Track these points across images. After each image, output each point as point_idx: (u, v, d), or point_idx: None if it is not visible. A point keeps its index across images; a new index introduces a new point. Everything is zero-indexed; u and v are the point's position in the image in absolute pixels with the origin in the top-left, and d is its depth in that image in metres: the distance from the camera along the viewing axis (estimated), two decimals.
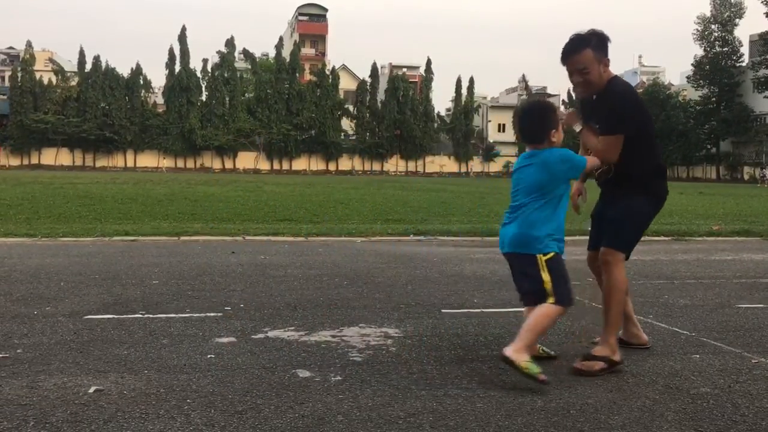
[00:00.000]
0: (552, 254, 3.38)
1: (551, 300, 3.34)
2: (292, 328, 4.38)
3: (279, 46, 68.12)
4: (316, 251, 8.43)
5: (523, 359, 3.22)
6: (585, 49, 3.68)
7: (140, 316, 4.67)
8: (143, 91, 65.08)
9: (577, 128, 3.82)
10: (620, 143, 3.68)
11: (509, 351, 3.24)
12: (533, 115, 3.55)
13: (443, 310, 5.01)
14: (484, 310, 5.06)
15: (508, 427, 2.76)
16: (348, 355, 3.76)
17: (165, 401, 2.98)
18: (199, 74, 65.83)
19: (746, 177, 60.10)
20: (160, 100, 67.12)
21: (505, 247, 3.53)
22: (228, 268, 6.87)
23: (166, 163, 63.48)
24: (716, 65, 62.68)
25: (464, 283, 6.24)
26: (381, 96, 68.74)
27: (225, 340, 4.06)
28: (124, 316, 4.65)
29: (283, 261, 7.46)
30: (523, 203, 3.45)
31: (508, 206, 3.58)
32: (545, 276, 3.35)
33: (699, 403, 3.09)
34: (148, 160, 63.90)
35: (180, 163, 64.44)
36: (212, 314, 4.74)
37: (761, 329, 4.60)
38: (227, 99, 65.27)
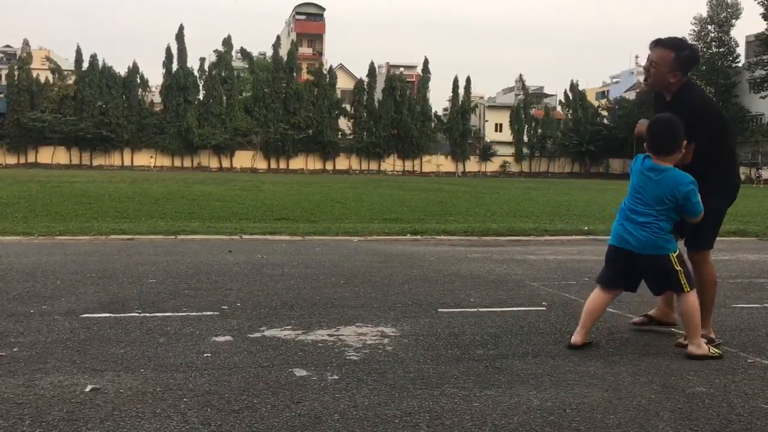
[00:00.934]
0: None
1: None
2: (289, 327, 4.38)
3: (276, 46, 68.02)
4: (313, 250, 8.44)
5: (706, 349, 3.84)
6: (668, 51, 3.95)
7: (137, 314, 4.66)
8: (140, 89, 64.92)
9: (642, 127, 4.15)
10: (692, 149, 3.99)
11: (693, 348, 3.84)
12: (670, 126, 3.86)
13: (440, 310, 5.01)
14: (480, 309, 5.07)
15: (504, 426, 2.76)
16: (345, 354, 3.77)
17: (161, 400, 2.98)
18: (196, 73, 65.69)
19: (742, 177, 60.29)
20: (157, 99, 66.96)
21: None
22: (225, 267, 6.87)
23: (160, 161, 63.35)
24: (713, 66, 62.77)
25: (461, 282, 6.25)
26: (378, 95, 68.69)
27: (222, 338, 4.06)
28: (121, 314, 4.65)
29: (280, 260, 7.46)
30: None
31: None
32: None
33: (695, 402, 3.10)
34: (145, 158, 63.81)
35: (177, 162, 64.34)
36: (209, 313, 4.73)
37: (757, 329, 4.61)
38: (224, 98, 65.15)
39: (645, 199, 3.91)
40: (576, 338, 3.96)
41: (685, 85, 4.05)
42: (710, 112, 4.14)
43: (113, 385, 3.16)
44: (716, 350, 3.87)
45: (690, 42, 4.16)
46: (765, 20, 56.59)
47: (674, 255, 3.90)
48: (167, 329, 4.26)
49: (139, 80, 64.68)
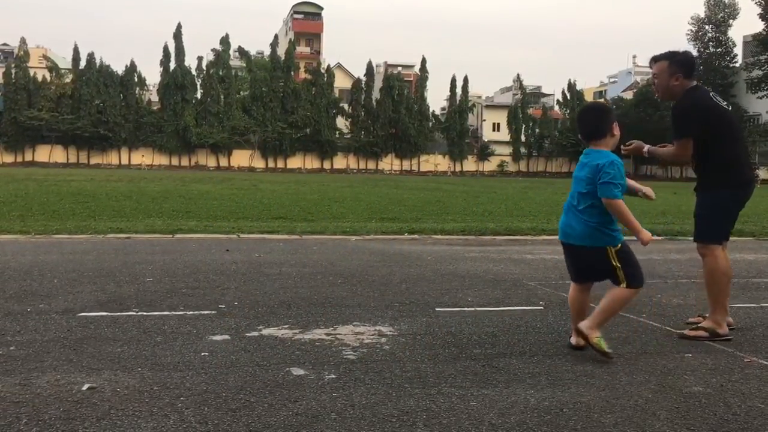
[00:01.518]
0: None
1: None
2: (287, 326, 4.38)
3: (274, 44, 67.93)
4: (311, 249, 8.43)
5: (594, 335, 3.73)
6: (663, 61, 4.44)
7: (134, 313, 4.66)
8: (138, 88, 64.74)
9: (645, 152, 4.56)
10: (689, 145, 4.33)
11: (584, 325, 3.74)
12: (595, 111, 4.03)
13: (437, 309, 5.01)
14: (478, 308, 5.07)
15: (501, 425, 2.77)
16: (342, 354, 3.77)
17: (158, 399, 2.98)
18: (194, 72, 65.57)
19: None
20: (154, 97, 66.82)
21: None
22: (222, 266, 6.87)
23: (158, 160, 63.24)
24: (710, 66, 62.79)
25: (458, 281, 6.25)
26: (376, 95, 68.65)
27: (219, 337, 4.06)
28: (118, 313, 4.65)
29: (277, 259, 7.45)
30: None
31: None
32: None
33: (691, 401, 3.11)
34: (142, 157, 63.70)
35: (174, 161, 64.21)
36: (206, 312, 4.73)
37: (753, 329, 4.62)
38: (222, 97, 65.03)
39: (581, 188, 3.83)
40: (576, 339, 3.94)
41: (686, 90, 4.43)
42: (694, 105, 4.37)
43: (110, 384, 3.16)
44: (604, 346, 3.72)
45: (683, 50, 4.61)
46: (762, 20, 56.58)
47: (613, 249, 3.77)
48: (164, 328, 4.25)
49: (136, 79, 64.53)
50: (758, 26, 58.03)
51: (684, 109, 4.39)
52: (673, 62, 4.42)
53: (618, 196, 3.72)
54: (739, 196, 4.46)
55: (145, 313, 4.65)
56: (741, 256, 8.71)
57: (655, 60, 4.50)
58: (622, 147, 4.64)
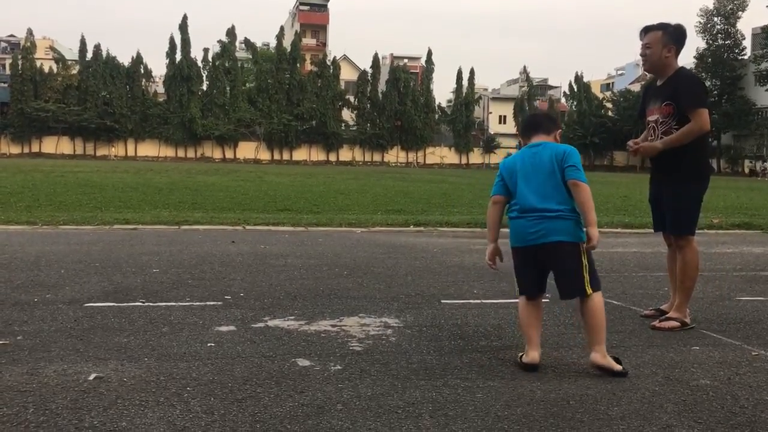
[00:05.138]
0: None
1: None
2: (292, 317, 4.38)
3: (280, 36, 67.74)
4: (316, 241, 8.43)
5: (609, 359, 3.34)
6: (657, 31, 4.34)
7: (140, 304, 4.67)
8: (144, 80, 64.76)
9: (659, 146, 4.34)
10: (708, 114, 4.27)
11: (598, 359, 3.32)
12: (543, 114, 3.80)
13: (443, 301, 5.01)
14: (483, 301, 5.06)
15: (507, 417, 2.76)
16: (348, 345, 3.77)
17: (165, 389, 2.98)
18: (200, 63, 65.51)
19: (746, 170, 60.06)
20: (160, 89, 66.83)
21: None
22: (228, 257, 6.87)
23: (164, 152, 63.31)
24: (718, 58, 62.38)
25: (464, 274, 6.24)
26: (382, 87, 68.48)
27: (225, 328, 4.06)
28: (125, 304, 4.66)
29: (283, 251, 7.46)
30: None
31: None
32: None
33: (699, 394, 3.09)
34: (148, 149, 63.79)
35: (181, 153, 64.24)
36: (212, 303, 4.74)
37: (761, 322, 4.60)
38: (228, 89, 64.99)
39: (535, 184, 3.45)
40: (529, 357, 3.44)
41: (677, 71, 4.40)
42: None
43: (117, 374, 3.16)
44: (619, 366, 3.33)
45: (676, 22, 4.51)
46: None
47: (583, 245, 3.39)
48: (171, 319, 4.26)
49: (142, 70, 64.52)
50: (767, 18, 57.58)
51: (697, 79, 4.41)
52: (666, 32, 4.34)
53: (587, 181, 3.44)
54: (706, 185, 4.48)
55: (151, 304, 4.66)
56: (748, 249, 8.68)
57: (646, 30, 4.38)
58: (630, 145, 4.56)
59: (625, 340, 4.03)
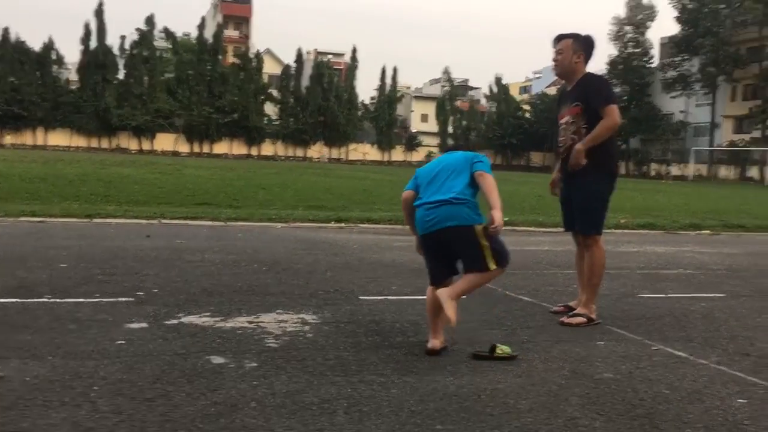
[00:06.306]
0: None
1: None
2: (208, 313, 4.31)
3: (201, 27, 66.10)
4: (235, 236, 8.31)
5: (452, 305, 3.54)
6: (568, 39, 4.68)
7: (46, 300, 4.48)
8: (56, 66, 62.01)
9: (581, 147, 4.47)
10: (618, 110, 4.55)
11: (445, 293, 3.55)
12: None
13: (361, 297, 5.04)
14: (401, 297, 5.12)
15: (421, 412, 2.81)
16: (264, 342, 3.74)
17: (70, 388, 2.88)
18: (116, 52, 63.26)
19: (653, 173, 62.91)
20: (74, 76, 64.10)
21: None
22: (142, 252, 6.68)
23: (77, 142, 60.80)
24: (629, 65, 65.10)
25: (383, 270, 6.29)
26: (306, 82, 67.98)
27: (136, 325, 3.95)
28: (29, 300, 4.46)
29: (200, 245, 7.31)
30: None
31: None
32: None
33: (602, 387, 3.24)
34: (59, 138, 61.07)
35: (94, 143, 61.77)
36: (123, 299, 4.60)
37: (662, 318, 4.84)
38: (146, 78, 62.99)
39: (441, 180, 3.73)
40: (432, 343, 3.70)
41: (585, 75, 4.69)
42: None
43: (19, 373, 3.03)
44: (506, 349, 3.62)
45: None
46: (678, 23, 59.14)
47: (480, 227, 3.59)
48: (78, 315, 4.11)
49: (54, 57, 61.74)
50: (674, 29, 60.59)
51: (603, 79, 4.90)
52: (577, 40, 4.67)
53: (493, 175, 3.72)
54: (613, 185, 4.72)
55: (58, 300, 4.48)
56: (651, 249, 9.12)
57: (559, 39, 4.73)
58: (555, 192, 4.95)
59: (535, 335, 4.17)
